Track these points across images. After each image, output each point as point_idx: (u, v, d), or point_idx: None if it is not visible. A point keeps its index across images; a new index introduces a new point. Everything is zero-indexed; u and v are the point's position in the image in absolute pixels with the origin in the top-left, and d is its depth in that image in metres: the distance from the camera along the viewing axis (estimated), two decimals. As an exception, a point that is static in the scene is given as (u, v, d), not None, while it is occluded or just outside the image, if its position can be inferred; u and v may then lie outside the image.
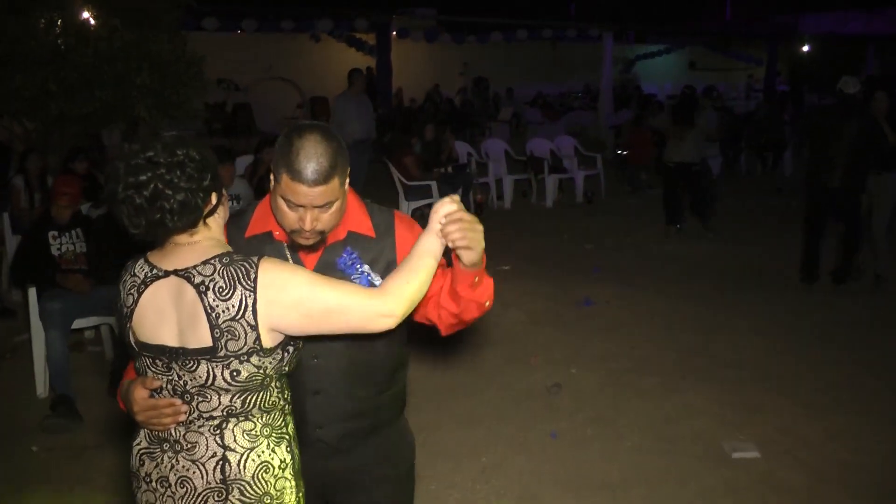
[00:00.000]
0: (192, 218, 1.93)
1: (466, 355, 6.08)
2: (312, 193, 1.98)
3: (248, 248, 2.13)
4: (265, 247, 2.17)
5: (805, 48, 29.40)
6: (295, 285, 1.92)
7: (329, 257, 2.20)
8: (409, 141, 10.65)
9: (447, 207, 2.06)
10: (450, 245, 2.08)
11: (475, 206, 11.43)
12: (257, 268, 1.92)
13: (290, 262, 2.14)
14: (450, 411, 5.24)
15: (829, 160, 7.37)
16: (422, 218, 10.86)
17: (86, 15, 8.73)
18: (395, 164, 10.19)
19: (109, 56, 8.39)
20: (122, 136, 10.05)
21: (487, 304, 2.28)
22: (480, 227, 2.08)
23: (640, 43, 32.44)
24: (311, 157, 1.96)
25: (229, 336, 1.89)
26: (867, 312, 7.13)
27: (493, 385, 5.59)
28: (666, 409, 5.19)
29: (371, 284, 2.17)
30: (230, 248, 2.03)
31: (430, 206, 10.35)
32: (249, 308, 1.89)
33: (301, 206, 2.01)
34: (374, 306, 1.96)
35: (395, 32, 21.11)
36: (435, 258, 2.10)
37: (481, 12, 25.61)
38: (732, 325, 6.76)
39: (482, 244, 2.09)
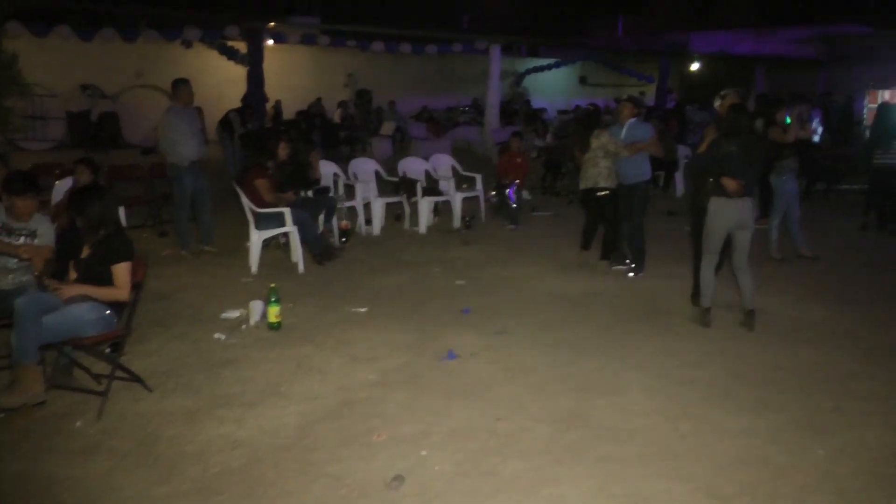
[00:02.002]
0: None
1: (290, 432, 4.88)
2: None
3: None
4: None
5: (695, 66, 29.42)
6: None
7: None
8: (264, 161, 9.37)
9: None
10: None
11: (340, 233, 10.26)
12: None
13: None
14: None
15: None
16: (277, 249, 9.64)
17: None
18: (245, 188, 8.90)
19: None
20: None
21: None
22: None
23: (532, 57, 31.90)
24: None
25: None
26: (768, 356, 6.23)
27: (318, 481, 4.39)
28: (533, 509, 4.12)
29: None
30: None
31: (285, 235, 9.26)
32: None
33: None
34: None
35: (271, 40, 19.77)
36: None
37: (366, 22, 24.51)
38: (620, 382, 5.73)
39: None
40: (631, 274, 8.76)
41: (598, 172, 8.77)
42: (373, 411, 5.20)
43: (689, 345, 6.54)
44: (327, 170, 11.11)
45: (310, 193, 9.91)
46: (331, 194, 10.41)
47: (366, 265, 9.11)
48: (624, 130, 8.80)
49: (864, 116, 16.85)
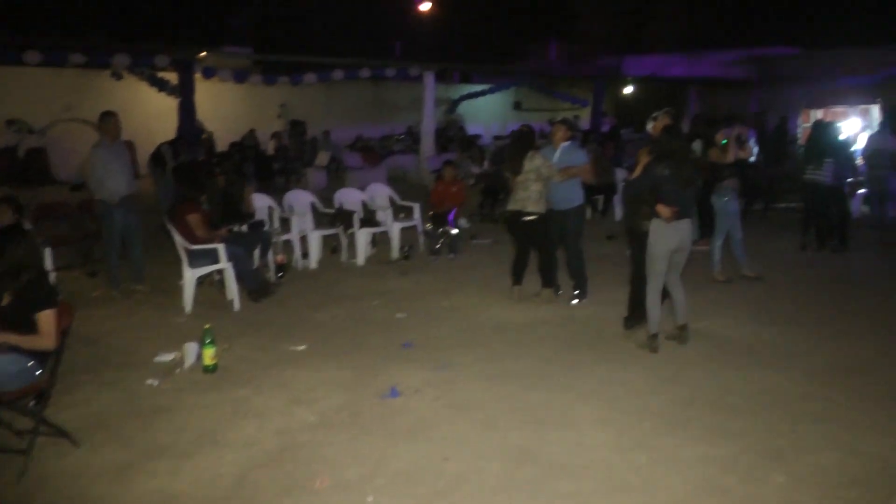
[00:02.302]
0: None
1: (228, 482, 4.65)
2: None
3: None
4: None
5: (629, 89, 29.82)
6: None
7: None
8: (196, 196, 9.10)
9: None
10: None
11: (276, 268, 10.03)
12: None
13: None
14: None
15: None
16: (211, 287, 9.36)
17: None
18: (177, 224, 8.64)
19: None
20: None
21: None
22: None
23: (465, 83, 32.01)
24: None
25: None
26: (719, 381, 6.18)
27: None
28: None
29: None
30: None
31: (219, 272, 9.00)
32: None
33: None
34: None
35: (201, 72, 19.42)
36: None
37: (298, 51, 24.33)
38: (571, 414, 5.62)
39: None
40: (574, 301, 8.67)
41: (527, 196, 8.38)
42: (314, 455, 5.01)
43: (638, 372, 6.47)
44: (261, 203, 10.87)
45: (244, 228, 9.66)
46: (266, 228, 10.17)
47: (303, 300, 8.90)
48: (557, 154, 8.61)
49: (799, 135, 17.12)
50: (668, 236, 6.72)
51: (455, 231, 11.24)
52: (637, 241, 7.22)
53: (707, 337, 7.18)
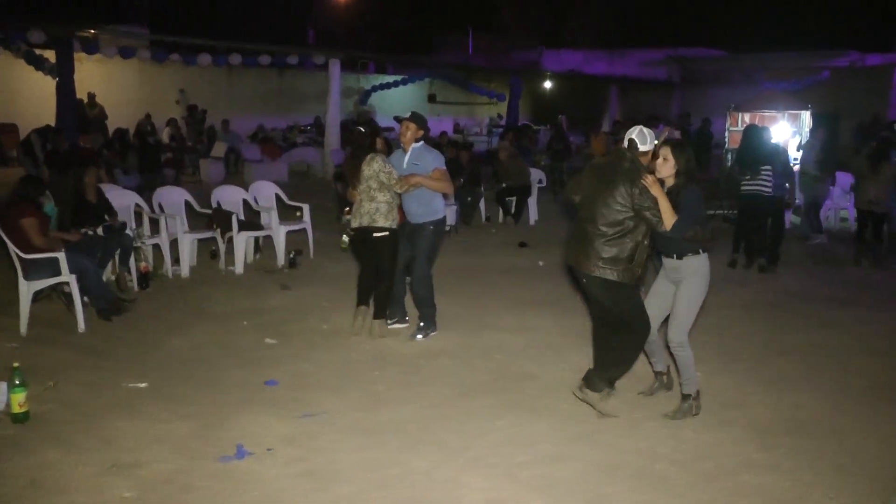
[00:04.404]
0: None
1: None
2: None
3: None
4: None
5: (547, 85, 29.15)
6: None
7: None
8: (33, 195, 7.73)
9: None
10: None
11: (139, 278, 8.75)
12: None
13: None
14: None
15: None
16: (59, 300, 7.97)
17: None
18: (8, 229, 7.28)
19: None
20: None
21: None
22: None
23: (381, 73, 30.86)
24: None
25: None
26: (646, 443, 5.15)
27: None
28: None
29: None
30: None
31: (66, 284, 7.63)
32: None
33: None
34: None
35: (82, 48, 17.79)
36: None
37: (200, 33, 22.85)
38: (456, 490, 4.49)
39: None
40: (419, 336, 7.21)
41: (375, 208, 7.01)
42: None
43: (548, 426, 5.34)
44: (126, 201, 9.54)
45: (99, 231, 8.33)
46: (127, 231, 8.82)
47: (162, 320, 7.63)
48: (407, 157, 7.17)
49: (726, 139, 16.45)
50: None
51: None
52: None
53: (628, 378, 6.03)
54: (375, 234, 7.07)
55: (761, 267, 10.25)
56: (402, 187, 6.97)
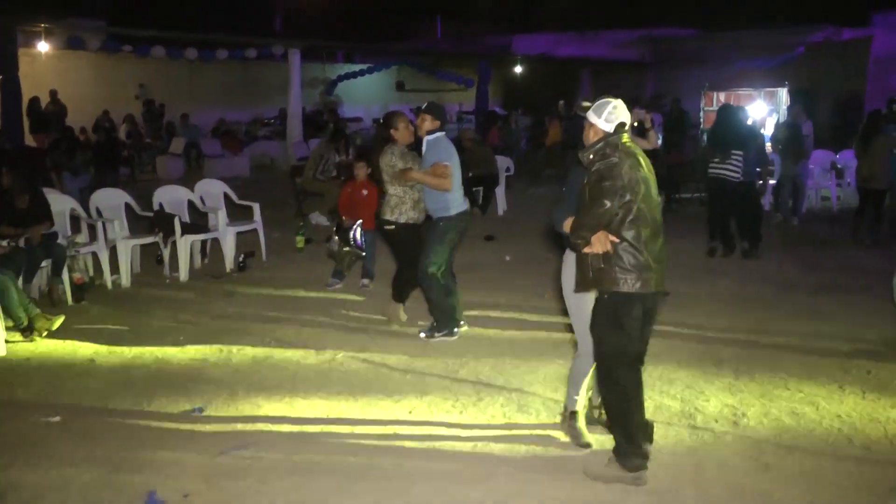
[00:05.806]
0: None
1: None
2: None
3: None
4: None
5: (518, 69, 28.49)
6: None
7: None
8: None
9: None
10: None
11: (73, 290, 8.06)
12: None
13: None
14: None
15: None
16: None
17: None
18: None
19: None
20: None
21: None
22: None
23: (349, 63, 30.05)
24: None
25: None
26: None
27: None
28: None
29: None
30: None
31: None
32: None
33: None
34: None
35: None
36: None
37: (159, 25, 22.03)
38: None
39: None
40: (422, 335, 6.83)
41: (385, 201, 6.97)
42: None
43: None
44: (61, 206, 8.82)
45: (20, 243, 7.60)
46: (59, 239, 8.11)
47: (91, 337, 6.91)
48: (424, 150, 6.79)
49: (702, 120, 15.92)
50: None
51: (363, 252, 8.40)
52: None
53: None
54: (385, 227, 7.03)
55: (744, 252, 9.70)
56: (399, 182, 6.79)
